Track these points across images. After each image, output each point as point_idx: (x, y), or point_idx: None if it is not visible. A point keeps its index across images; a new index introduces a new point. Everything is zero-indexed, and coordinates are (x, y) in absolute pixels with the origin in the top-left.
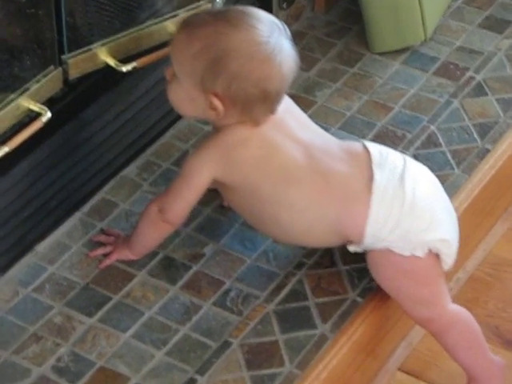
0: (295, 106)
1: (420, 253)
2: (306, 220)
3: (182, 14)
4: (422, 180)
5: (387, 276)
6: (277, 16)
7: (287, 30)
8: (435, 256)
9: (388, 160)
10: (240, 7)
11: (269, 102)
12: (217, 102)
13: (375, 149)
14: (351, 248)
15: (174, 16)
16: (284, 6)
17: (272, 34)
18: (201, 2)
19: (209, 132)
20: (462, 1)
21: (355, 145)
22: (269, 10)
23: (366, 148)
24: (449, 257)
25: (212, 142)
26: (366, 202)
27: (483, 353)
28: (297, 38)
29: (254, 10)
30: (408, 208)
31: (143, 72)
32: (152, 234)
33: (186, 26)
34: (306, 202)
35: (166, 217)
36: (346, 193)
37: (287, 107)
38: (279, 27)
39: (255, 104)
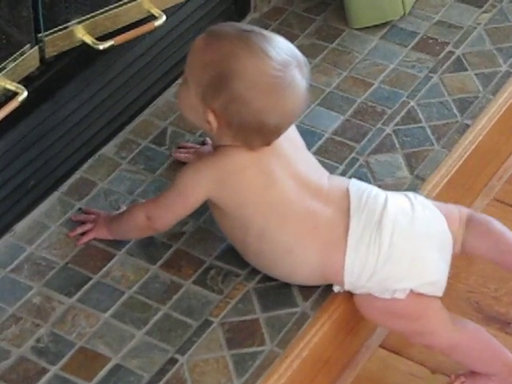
0: (297, 134)
1: (401, 295)
2: (289, 262)
3: None
4: (402, 222)
5: (374, 317)
6: None
7: (307, 67)
8: (421, 293)
9: (367, 204)
10: (266, 32)
11: (264, 133)
12: (211, 119)
13: (357, 191)
14: (335, 289)
15: None
16: None
17: (287, 67)
18: None
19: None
20: None
21: (341, 185)
22: None
23: (348, 190)
24: (437, 291)
25: (212, 163)
26: (343, 251)
27: (496, 357)
28: (276, 14)
29: (277, 39)
30: (384, 256)
31: (121, 50)
32: (136, 234)
33: (209, 34)
34: (292, 243)
35: (154, 226)
36: (328, 238)
37: (289, 135)
38: (299, 63)
39: (249, 132)
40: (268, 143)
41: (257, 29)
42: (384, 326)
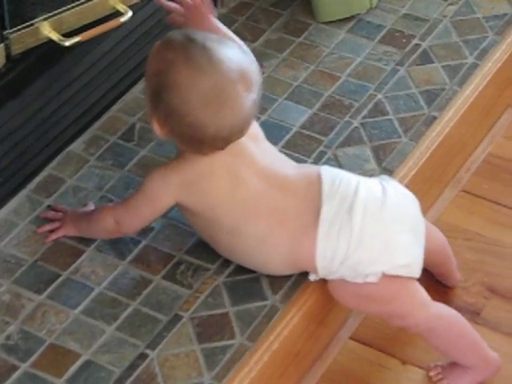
0: (256, 128)
1: (374, 279)
2: (262, 253)
3: None
4: (373, 206)
5: (348, 302)
6: None
7: (255, 80)
8: (394, 275)
9: (340, 189)
10: (211, 43)
11: (208, 144)
12: (155, 126)
13: (329, 178)
14: (311, 277)
15: None
16: None
17: (224, 83)
18: None
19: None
20: None
21: (311, 172)
22: None
23: (320, 176)
24: (411, 273)
25: (178, 169)
26: (314, 237)
27: (473, 348)
28: (243, 8)
29: (223, 51)
30: (356, 240)
31: (88, 46)
32: (105, 236)
33: (163, 41)
34: (262, 236)
35: (122, 230)
36: (298, 226)
37: (251, 132)
38: (243, 76)
39: (193, 142)
40: (220, 149)
41: (203, 38)
42: (359, 310)
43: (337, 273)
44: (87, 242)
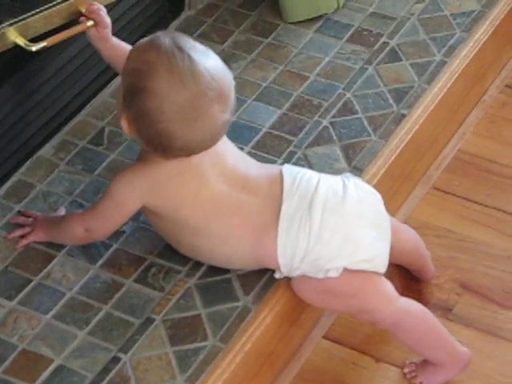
0: None
1: (335, 274)
2: (225, 252)
3: None
4: (333, 202)
5: (311, 298)
6: None
7: (231, 99)
8: (356, 271)
9: (300, 187)
10: (197, 55)
11: (173, 152)
12: (124, 123)
13: (290, 176)
14: (276, 276)
15: None
16: None
17: (201, 99)
18: None
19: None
20: None
21: (273, 171)
22: None
23: (282, 174)
24: (374, 267)
25: (143, 172)
26: (275, 234)
27: (441, 343)
28: (210, 10)
29: (207, 64)
30: (315, 236)
31: (55, 51)
32: (75, 243)
33: (149, 39)
34: (225, 235)
35: (92, 236)
36: (260, 224)
37: None
38: (220, 94)
39: (158, 147)
40: (185, 156)
41: (190, 47)
42: (323, 306)
43: (298, 269)
44: (58, 247)
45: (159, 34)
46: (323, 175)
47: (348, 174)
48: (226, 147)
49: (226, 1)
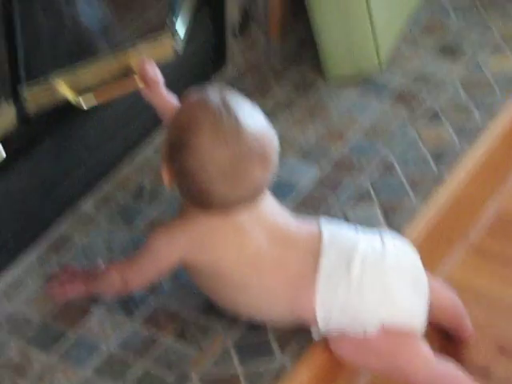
0: None
1: (373, 330)
2: (264, 305)
3: (143, 45)
4: (372, 258)
5: (349, 357)
6: (231, 47)
7: (272, 161)
8: (394, 329)
9: (338, 242)
10: (242, 115)
11: (213, 209)
12: (165, 175)
13: (329, 231)
14: (314, 335)
15: (134, 47)
16: (238, 35)
17: (243, 159)
18: (161, 33)
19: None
20: (416, 28)
21: (312, 226)
22: (223, 41)
23: (320, 229)
24: (412, 326)
25: (184, 226)
26: (314, 288)
27: None
28: (252, 68)
29: (251, 125)
30: (354, 290)
31: (100, 106)
32: (114, 293)
33: (199, 97)
34: (265, 289)
35: (129, 287)
36: (299, 279)
37: None
38: (263, 155)
39: (197, 202)
40: (223, 211)
41: (237, 107)
42: (360, 365)
43: (336, 324)
44: (97, 301)
45: (209, 89)
46: (361, 231)
47: (385, 231)
48: (266, 202)
49: (268, 58)
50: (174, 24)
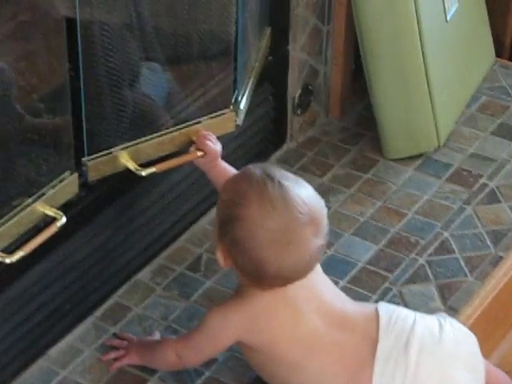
0: (318, 265)
1: None
2: None
3: (205, 121)
4: (430, 343)
5: None
6: (291, 122)
7: (323, 225)
8: None
9: (396, 325)
10: (288, 182)
11: (267, 281)
12: (219, 255)
13: (386, 314)
14: None
15: (197, 123)
16: (298, 112)
17: (293, 224)
18: (225, 110)
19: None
20: (475, 108)
21: (368, 308)
22: (283, 116)
23: (377, 312)
24: None
25: (239, 306)
26: (370, 372)
27: None
28: (311, 144)
29: (298, 191)
30: (411, 376)
31: (158, 176)
32: (166, 369)
33: (242, 172)
34: (321, 372)
35: (184, 364)
36: (355, 363)
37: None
38: (313, 220)
39: (253, 277)
40: (279, 287)
41: (280, 175)
42: None
43: None
44: (151, 371)
45: (250, 166)
46: (419, 314)
47: (443, 314)
48: (321, 283)
49: (328, 135)
50: (237, 100)
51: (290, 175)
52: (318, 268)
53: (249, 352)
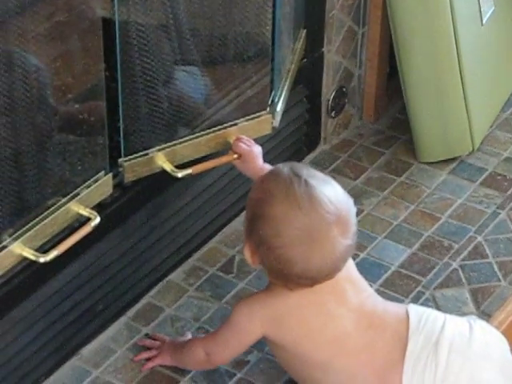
0: (351, 264)
1: None
2: None
3: (242, 123)
4: (460, 343)
5: None
6: (325, 124)
7: (352, 224)
8: None
9: (426, 326)
10: (315, 181)
11: (294, 280)
12: (247, 254)
13: (416, 315)
14: None
15: (234, 125)
16: (333, 114)
17: (319, 223)
18: (261, 113)
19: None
20: (510, 112)
21: (399, 309)
22: (317, 118)
23: (408, 313)
24: None
25: (266, 303)
26: (400, 372)
27: None
28: (345, 146)
29: (325, 189)
30: (441, 376)
31: (192, 178)
32: (198, 368)
33: (270, 171)
34: (350, 372)
35: (213, 361)
36: (385, 363)
37: (346, 268)
38: (339, 219)
39: (280, 276)
40: (306, 287)
41: (308, 174)
42: None
43: None
44: (183, 372)
45: (279, 165)
46: (449, 316)
47: (474, 317)
48: (351, 283)
49: (361, 138)
50: (274, 102)
51: (318, 174)
52: (350, 268)
53: (276, 349)
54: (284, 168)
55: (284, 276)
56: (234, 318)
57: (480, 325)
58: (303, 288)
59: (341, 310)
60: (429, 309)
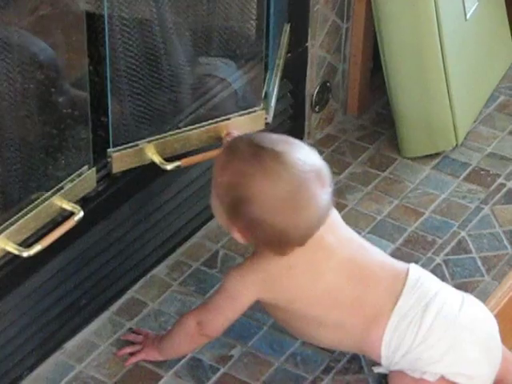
0: (337, 217)
1: (430, 378)
2: (336, 337)
3: (235, 118)
4: (449, 311)
5: None
6: (309, 119)
7: (327, 174)
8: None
9: (421, 288)
10: (280, 147)
11: (290, 242)
12: (237, 235)
13: (415, 275)
14: (375, 369)
15: (226, 119)
16: (316, 109)
17: (301, 184)
18: (255, 108)
19: None
20: (494, 107)
21: (399, 266)
22: (301, 113)
23: (408, 271)
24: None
25: (257, 266)
26: (384, 325)
27: None
28: (329, 141)
29: (293, 152)
30: (421, 337)
31: (176, 172)
32: (187, 344)
33: (228, 150)
34: (340, 323)
35: (204, 331)
36: (373, 315)
37: (329, 223)
38: (317, 173)
39: (276, 244)
40: (299, 245)
41: (270, 143)
42: None
43: (398, 364)
44: (166, 367)
45: (234, 141)
46: (445, 285)
47: (468, 294)
48: (341, 236)
49: (345, 132)
50: (268, 97)
51: (275, 136)
52: (337, 223)
53: (270, 309)
54: (242, 144)
55: (278, 243)
56: (226, 285)
57: (473, 300)
58: (295, 248)
59: (330, 263)
60: (430, 274)
